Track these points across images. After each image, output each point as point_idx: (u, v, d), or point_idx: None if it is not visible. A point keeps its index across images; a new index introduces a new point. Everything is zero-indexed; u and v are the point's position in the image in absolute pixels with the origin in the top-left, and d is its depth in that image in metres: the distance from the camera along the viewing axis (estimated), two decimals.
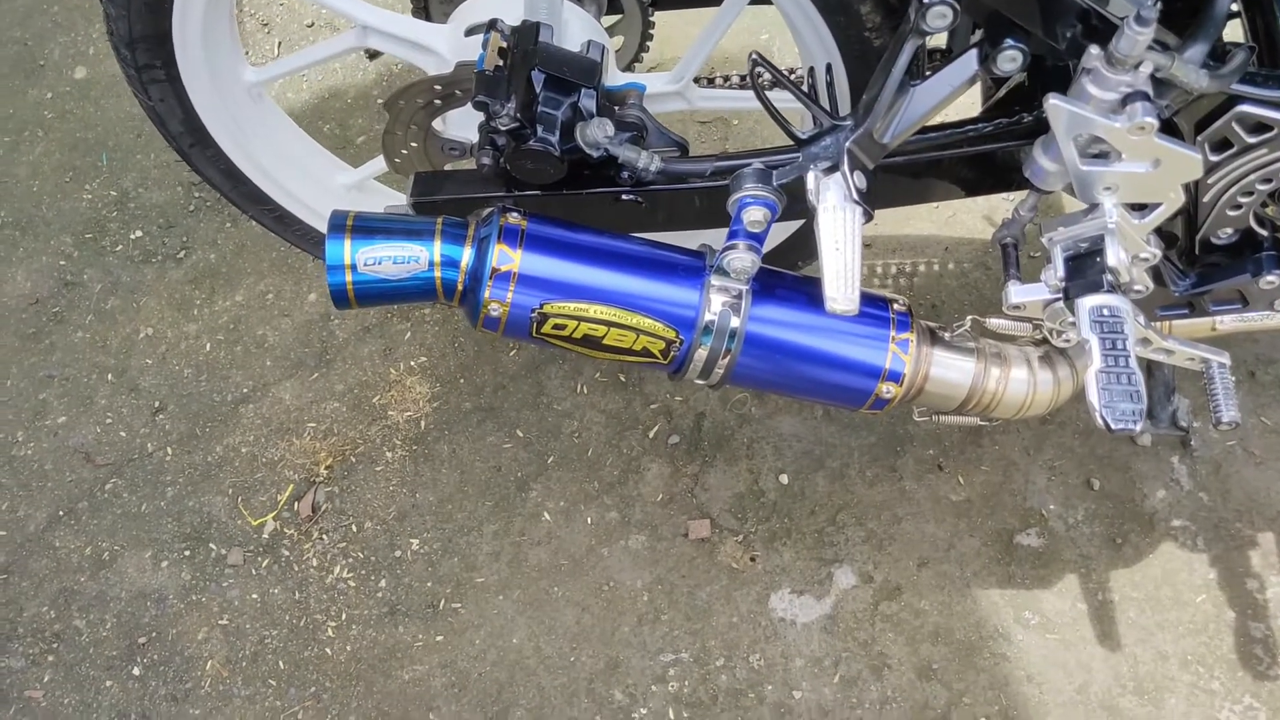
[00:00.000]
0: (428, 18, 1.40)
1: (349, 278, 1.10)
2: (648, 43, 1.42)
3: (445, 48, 1.27)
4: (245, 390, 1.75)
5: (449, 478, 1.64)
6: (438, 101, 1.24)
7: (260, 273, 1.85)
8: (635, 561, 1.56)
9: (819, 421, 1.62)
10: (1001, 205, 1.72)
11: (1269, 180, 1.08)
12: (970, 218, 1.73)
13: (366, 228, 1.11)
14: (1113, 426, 1.00)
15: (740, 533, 1.56)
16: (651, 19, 1.38)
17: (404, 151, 1.32)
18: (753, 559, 1.55)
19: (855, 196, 1.02)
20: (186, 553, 1.62)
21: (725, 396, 1.66)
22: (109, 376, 1.77)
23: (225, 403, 1.74)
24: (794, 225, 1.38)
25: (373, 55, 2.02)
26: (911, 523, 1.55)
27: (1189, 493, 1.52)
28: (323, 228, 1.51)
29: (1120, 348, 1.02)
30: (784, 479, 1.59)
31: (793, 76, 1.44)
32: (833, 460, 1.60)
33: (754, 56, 1.05)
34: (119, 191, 1.95)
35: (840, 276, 0.99)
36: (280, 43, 2.08)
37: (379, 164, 1.50)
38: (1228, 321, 1.26)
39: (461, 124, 1.30)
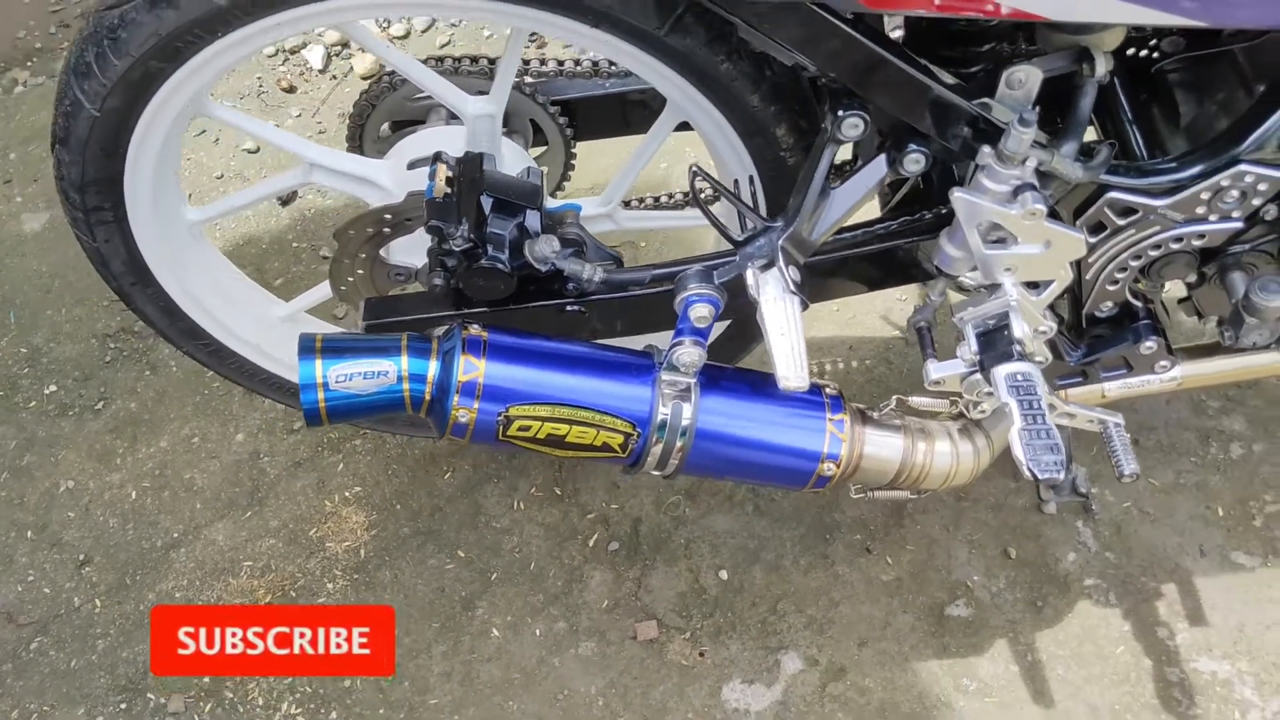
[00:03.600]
0: (360, 154, 1.48)
1: (321, 395, 1.14)
2: (570, 171, 1.53)
3: (389, 181, 1.36)
4: (175, 535, 1.73)
5: (393, 603, 1.65)
6: (387, 230, 1.31)
7: (184, 417, 1.85)
8: (587, 668, 1.59)
9: (751, 517, 1.70)
10: (897, 306, 1.87)
11: (1139, 257, 1.24)
12: (869, 318, 1.87)
13: (335, 348, 1.16)
14: (1039, 476, 1.11)
15: (687, 630, 1.61)
16: (574, 149, 1.50)
17: (349, 279, 1.38)
18: (701, 654, 1.59)
19: (792, 288, 1.13)
20: (123, 705, 1.57)
21: (659, 500, 1.72)
22: (29, 534, 1.74)
23: (155, 549, 1.72)
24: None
25: (286, 201, 2.09)
26: (848, 605, 1.62)
27: (1096, 553, 1.64)
28: (257, 359, 1.56)
29: (1037, 407, 1.14)
30: (723, 574, 1.66)
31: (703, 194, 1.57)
32: (767, 553, 1.67)
33: (694, 168, 1.16)
34: (29, 348, 1.94)
35: (789, 358, 1.09)
36: (190, 195, 2.13)
37: (310, 297, 1.56)
38: (1115, 388, 1.40)
39: (405, 250, 1.37)
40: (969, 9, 1.00)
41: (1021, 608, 1.60)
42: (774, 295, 1.13)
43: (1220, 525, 1.66)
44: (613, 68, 1.44)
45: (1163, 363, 1.35)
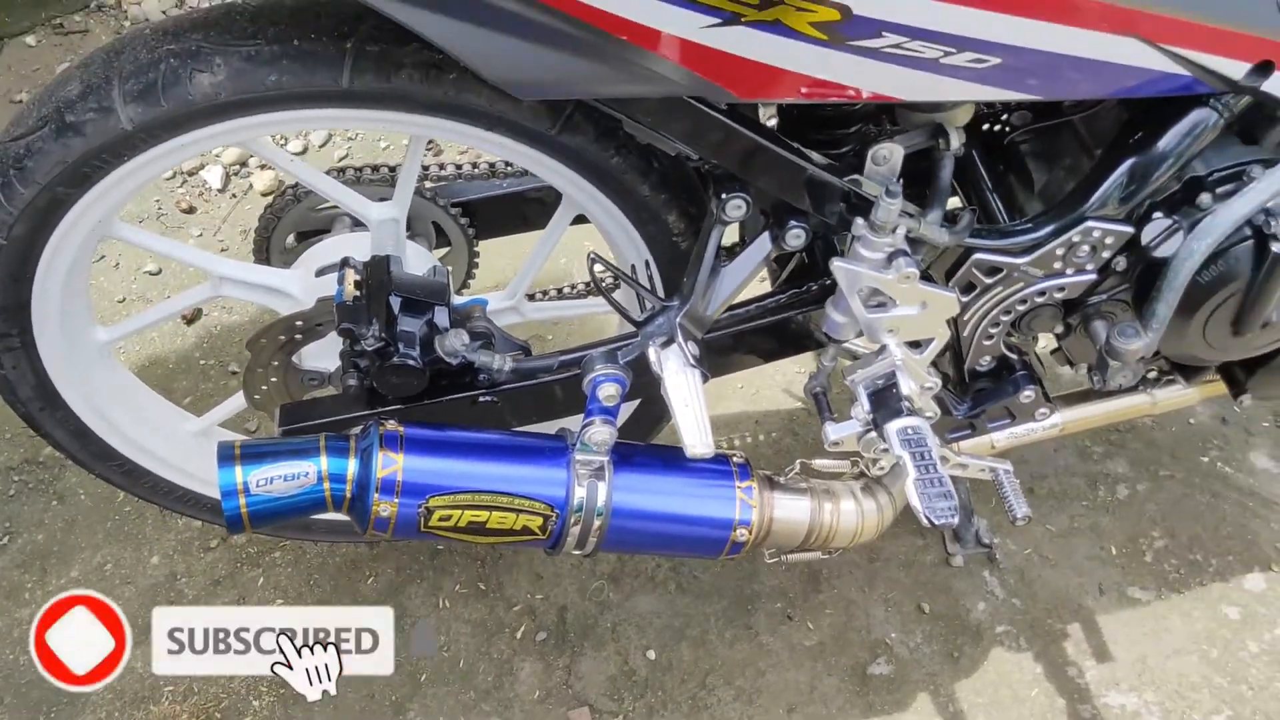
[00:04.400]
0: (268, 265, 1.52)
1: (243, 501, 1.15)
2: (474, 269, 1.59)
3: (298, 289, 1.39)
4: None
5: (322, 714, 1.63)
6: (299, 336, 1.34)
7: (96, 545, 1.82)
8: None
9: (674, 595, 1.74)
10: (798, 379, 1.96)
11: (1008, 312, 1.34)
12: (772, 392, 1.95)
13: (254, 453, 1.18)
14: (936, 522, 1.18)
15: (620, 713, 1.63)
16: (476, 248, 1.56)
17: (264, 387, 1.40)
18: None
19: (692, 361, 1.20)
20: None
21: (583, 587, 1.75)
22: None
23: None
24: None
25: (191, 320, 2.10)
26: (774, 673, 1.66)
27: (1004, 600, 1.71)
28: (172, 477, 1.56)
29: (928, 458, 1.21)
30: (651, 654, 1.68)
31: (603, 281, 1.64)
32: (692, 629, 1.70)
33: (592, 254, 1.23)
34: None
35: (694, 427, 1.15)
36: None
37: (222, 411, 1.57)
38: (1002, 438, 1.49)
39: (316, 356, 1.41)
40: (833, 95, 1.09)
41: (939, 660, 1.66)
42: (676, 369, 1.19)
43: (1115, 564, 1.75)
44: (509, 168, 1.51)
45: (1042, 410, 1.44)
